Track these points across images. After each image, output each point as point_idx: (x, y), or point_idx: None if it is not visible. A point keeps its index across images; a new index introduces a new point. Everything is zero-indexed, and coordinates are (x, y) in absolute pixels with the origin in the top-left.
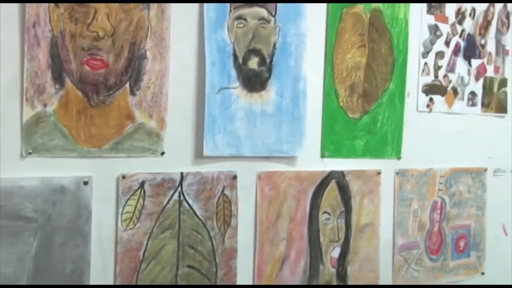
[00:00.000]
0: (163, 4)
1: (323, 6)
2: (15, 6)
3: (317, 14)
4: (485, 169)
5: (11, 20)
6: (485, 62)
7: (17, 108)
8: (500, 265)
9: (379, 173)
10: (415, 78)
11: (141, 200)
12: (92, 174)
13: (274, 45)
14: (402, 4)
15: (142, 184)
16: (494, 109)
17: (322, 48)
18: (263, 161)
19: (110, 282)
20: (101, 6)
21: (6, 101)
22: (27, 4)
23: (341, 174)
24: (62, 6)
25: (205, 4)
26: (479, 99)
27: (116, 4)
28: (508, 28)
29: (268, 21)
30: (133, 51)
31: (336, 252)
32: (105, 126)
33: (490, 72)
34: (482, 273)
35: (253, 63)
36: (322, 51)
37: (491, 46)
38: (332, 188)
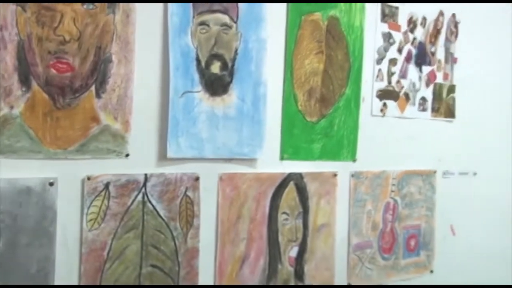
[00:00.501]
0: (128, 9)
1: (283, 13)
2: None
3: (277, 21)
4: (435, 172)
5: None
6: (435, 69)
7: None
8: (448, 264)
9: (335, 175)
10: (370, 83)
11: (105, 201)
12: (57, 176)
13: (236, 50)
14: (358, 12)
15: (106, 185)
16: (443, 114)
17: (281, 54)
18: (224, 163)
19: (75, 281)
20: (67, 10)
21: None
22: None
23: (299, 176)
24: (29, 9)
25: (169, 10)
26: (429, 104)
27: (82, 9)
28: (456, 37)
29: (230, 27)
30: (98, 55)
31: (294, 252)
32: (70, 128)
33: (439, 78)
34: (431, 271)
35: (216, 67)
36: (282, 57)
37: (440, 54)
38: (290, 190)
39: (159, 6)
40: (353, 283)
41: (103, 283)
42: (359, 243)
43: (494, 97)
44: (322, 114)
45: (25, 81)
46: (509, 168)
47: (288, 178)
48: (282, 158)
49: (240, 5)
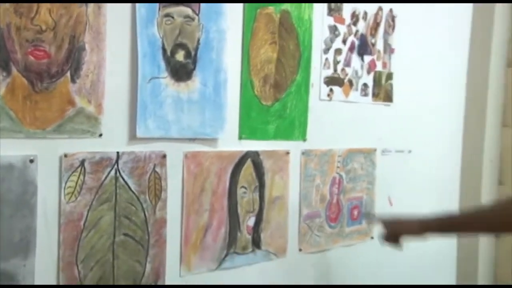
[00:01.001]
0: (99, 2)
1: (240, 6)
2: None
3: (235, 14)
4: (375, 150)
5: None
6: (375, 58)
7: None
8: None
9: (288, 153)
10: (318, 71)
11: (81, 177)
12: (37, 153)
13: (198, 40)
14: (306, 7)
15: (82, 162)
16: (382, 99)
17: (239, 44)
18: (189, 142)
19: (55, 249)
20: (42, 4)
21: None
22: None
23: (256, 154)
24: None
25: (137, 6)
26: (370, 90)
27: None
28: (393, 29)
29: (193, 19)
30: (73, 43)
31: (251, 221)
32: (48, 110)
33: (379, 67)
34: (372, 238)
35: (180, 56)
36: (240, 47)
37: (379, 45)
38: (248, 166)
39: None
40: (304, 249)
41: (80, 251)
42: (309, 213)
43: (427, 83)
44: (276, 98)
45: (5, 67)
46: (440, 146)
47: (246, 156)
48: (240, 138)
49: None
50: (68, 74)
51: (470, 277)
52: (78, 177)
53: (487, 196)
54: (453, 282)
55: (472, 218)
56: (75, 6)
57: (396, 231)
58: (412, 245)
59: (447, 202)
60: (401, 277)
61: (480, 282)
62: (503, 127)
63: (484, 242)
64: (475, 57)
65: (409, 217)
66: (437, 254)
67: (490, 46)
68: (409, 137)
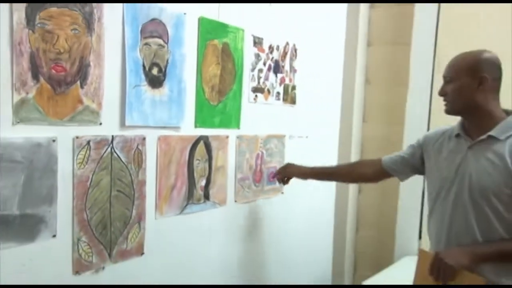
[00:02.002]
0: (100, 33)
1: (195, 39)
2: (7, 30)
3: (192, 44)
4: (284, 135)
5: (5, 41)
6: (284, 76)
7: (9, 94)
8: (294, 188)
9: (227, 137)
10: (247, 83)
11: (88, 151)
12: (57, 135)
13: (167, 61)
14: (240, 40)
15: (88, 142)
16: (289, 102)
17: (194, 64)
18: (161, 129)
19: (70, 200)
20: (61, 33)
21: (3, 90)
22: (14, 30)
23: (206, 137)
24: (37, 31)
25: (126, 34)
26: (281, 96)
27: (71, 33)
28: (296, 57)
29: (163, 47)
30: (82, 62)
31: (203, 182)
32: (64, 106)
33: (287, 81)
34: (282, 193)
35: (155, 71)
36: (195, 66)
37: (287, 67)
38: (201, 145)
39: (119, 31)
40: (238, 200)
41: (87, 201)
42: (241, 177)
43: (317, 92)
44: (220, 100)
45: (35, 76)
46: (325, 133)
47: (200, 139)
48: (195, 126)
49: (170, 32)
50: (78, 82)
51: (342, 221)
52: (86, 152)
53: (353, 158)
54: (331, 223)
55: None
56: (84, 36)
57: (287, 172)
58: (305, 199)
59: (328, 164)
60: (298, 217)
61: (349, 226)
62: (363, 122)
63: (351, 198)
64: (346, 76)
65: (300, 166)
66: (322, 203)
67: (355, 69)
68: (306, 128)
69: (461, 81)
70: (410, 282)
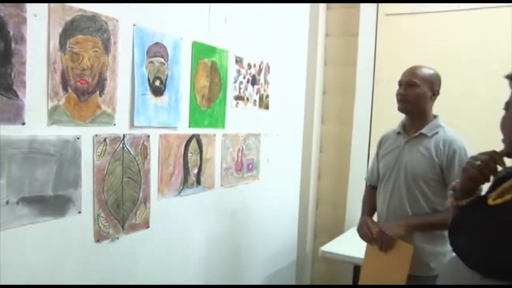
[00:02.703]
0: (115, 54)
1: (189, 58)
2: (45, 54)
3: (186, 62)
4: (260, 134)
5: (43, 61)
6: (260, 87)
7: (45, 102)
8: (266, 175)
9: (215, 135)
10: (231, 92)
11: (104, 146)
12: (81, 134)
13: (167, 75)
14: (224, 59)
15: (105, 139)
16: (263, 107)
17: (188, 77)
18: (162, 129)
19: (91, 184)
20: (85, 54)
21: (41, 99)
22: (50, 53)
23: (198, 135)
24: (67, 54)
25: (135, 55)
26: (257, 103)
27: (93, 54)
28: (269, 72)
29: (164, 64)
30: (100, 76)
31: (195, 171)
32: (87, 111)
33: (262, 91)
34: (258, 179)
35: (157, 83)
36: (189, 79)
37: (262, 80)
38: (194, 142)
39: (130, 52)
40: (223, 185)
41: (104, 186)
42: (226, 166)
43: (286, 100)
44: (208, 106)
45: (64, 88)
46: (292, 132)
47: (193, 136)
48: (189, 126)
49: (169, 52)
50: (98, 92)
51: (305, 199)
52: (103, 147)
53: (314, 155)
54: (297, 201)
55: None
56: (102, 57)
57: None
58: (276, 183)
59: (294, 156)
60: (271, 198)
61: (310, 203)
62: (322, 123)
63: (312, 182)
64: (308, 87)
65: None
66: (289, 186)
67: (315, 82)
68: (277, 127)
69: (421, 89)
70: (356, 246)
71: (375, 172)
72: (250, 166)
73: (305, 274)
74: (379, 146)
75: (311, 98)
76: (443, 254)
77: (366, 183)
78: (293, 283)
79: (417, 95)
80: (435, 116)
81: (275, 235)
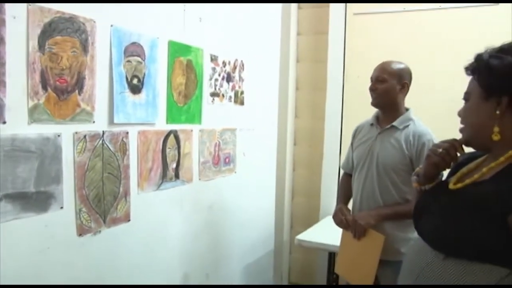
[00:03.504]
0: (93, 54)
1: (165, 56)
2: (24, 54)
3: (163, 60)
4: (236, 128)
5: (23, 62)
6: (235, 83)
7: (25, 101)
8: (242, 168)
9: (192, 130)
10: (207, 89)
11: (84, 143)
12: (62, 131)
13: (144, 73)
14: (200, 57)
15: (85, 136)
16: (239, 103)
17: (165, 75)
18: (140, 125)
19: (72, 180)
20: (64, 55)
21: (21, 98)
22: (29, 54)
23: (175, 131)
24: (46, 54)
25: (113, 54)
26: (233, 99)
27: (71, 54)
28: (243, 69)
29: (141, 63)
30: (79, 75)
31: (174, 165)
32: (67, 109)
33: (237, 88)
34: (235, 172)
35: (135, 81)
36: (165, 77)
37: (237, 77)
38: (171, 137)
39: (108, 52)
40: (201, 178)
41: (85, 181)
42: (203, 160)
43: (262, 96)
44: (185, 102)
45: (44, 87)
46: (267, 127)
47: (170, 132)
48: (167, 123)
49: (146, 52)
50: (77, 91)
51: (281, 191)
52: (83, 144)
53: (288, 148)
54: (273, 192)
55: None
56: (81, 56)
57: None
58: (253, 176)
59: (269, 149)
60: (248, 190)
61: (286, 194)
62: (295, 118)
63: (288, 173)
64: (281, 83)
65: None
66: (266, 178)
67: (288, 79)
68: (252, 122)
69: (390, 83)
70: (331, 234)
71: (350, 160)
72: (227, 160)
73: (283, 262)
74: (354, 136)
75: (285, 94)
76: (414, 240)
77: (342, 170)
78: (271, 271)
79: (386, 89)
80: (407, 109)
81: (253, 225)
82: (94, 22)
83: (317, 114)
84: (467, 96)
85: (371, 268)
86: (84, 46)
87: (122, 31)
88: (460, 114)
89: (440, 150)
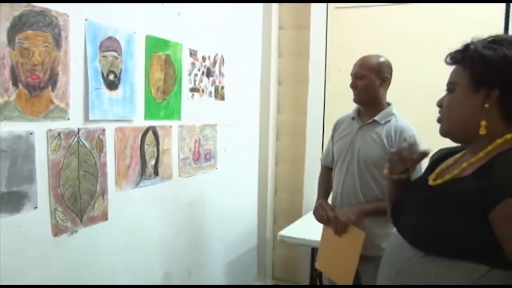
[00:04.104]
0: (66, 49)
1: (142, 51)
2: None
3: (140, 55)
4: (216, 124)
5: None
6: (215, 79)
7: None
8: (224, 164)
9: (171, 126)
10: (186, 84)
11: (59, 141)
12: (34, 129)
13: (121, 69)
14: (178, 52)
15: (59, 133)
16: (219, 98)
17: (143, 70)
18: (117, 122)
19: (46, 179)
20: (36, 50)
21: None
22: None
23: (154, 127)
24: (16, 49)
25: (87, 49)
26: (213, 94)
27: (43, 49)
28: (224, 64)
29: (118, 58)
30: (52, 71)
31: (153, 162)
32: (39, 106)
33: (217, 83)
34: (216, 168)
35: (111, 77)
36: (143, 72)
37: (217, 72)
38: (150, 134)
39: (82, 47)
40: (181, 175)
41: (60, 180)
42: (183, 157)
43: (243, 90)
44: (164, 98)
45: (15, 83)
46: (249, 122)
47: (149, 128)
48: (145, 119)
49: (123, 46)
50: (50, 87)
51: (263, 186)
52: (57, 141)
53: (271, 143)
54: (256, 188)
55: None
56: (54, 51)
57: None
58: (234, 171)
59: (251, 145)
60: (230, 186)
61: (269, 190)
62: (278, 113)
63: (270, 168)
64: (263, 78)
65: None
66: (248, 174)
67: (270, 74)
68: (234, 117)
69: (369, 78)
70: (313, 230)
71: (330, 153)
72: (207, 156)
73: (266, 258)
74: (334, 130)
75: (267, 89)
76: (394, 235)
77: (322, 164)
78: (254, 267)
79: (366, 86)
80: (389, 104)
81: (235, 222)
82: (68, 16)
83: (299, 109)
84: (452, 86)
85: (351, 264)
86: (57, 41)
87: (97, 25)
88: (441, 104)
89: (405, 153)
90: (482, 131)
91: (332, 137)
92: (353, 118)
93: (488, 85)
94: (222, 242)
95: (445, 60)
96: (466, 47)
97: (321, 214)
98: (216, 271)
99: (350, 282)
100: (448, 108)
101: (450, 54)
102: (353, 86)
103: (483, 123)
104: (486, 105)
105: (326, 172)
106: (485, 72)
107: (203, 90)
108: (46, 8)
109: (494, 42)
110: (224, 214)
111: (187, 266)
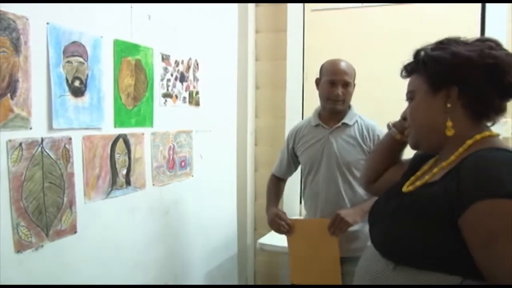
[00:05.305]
0: (26, 55)
1: (111, 56)
2: None
3: (108, 60)
4: (191, 130)
5: None
6: (189, 84)
7: None
8: (199, 173)
9: (143, 134)
10: (158, 90)
11: (20, 152)
12: None
13: (87, 75)
14: (150, 57)
15: (20, 144)
16: (194, 104)
17: (111, 76)
18: (85, 130)
19: (7, 192)
20: None
21: None
22: None
23: (125, 135)
24: None
25: (50, 54)
26: (187, 100)
27: (1, 55)
28: (198, 69)
29: (83, 63)
30: (11, 78)
31: (124, 171)
32: None
33: (191, 88)
34: (192, 176)
35: (77, 83)
36: (112, 78)
37: (191, 77)
38: (120, 142)
39: (44, 52)
40: (155, 184)
41: (23, 192)
42: (157, 165)
43: (219, 95)
44: (135, 105)
45: None
46: (225, 128)
47: (119, 136)
48: (115, 126)
49: (89, 51)
50: (9, 95)
51: (243, 192)
52: (18, 152)
53: (249, 149)
54: (234, 194)
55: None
56: (12, 57)
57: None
58: (212, 179)
59: (229, 150)
60: (207, 194)
61: (248, 196)
62: (256, 117)
63: (249, 174)
64: (240, 83)
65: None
66: (226, 180)
67: (247, 78)
68: (209, 124)
69: (352, 85)
70: None
71: (284, 164)
72: (183, 164)
73: (247, 266)
74: (294, 140)
75: (244, 93)
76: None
77: (273, 174)
78: (235, 275)
79: (351, 94)
80: (349, 106)
81: (214, 230)
82: (27, 19)
83: (277, 113)
84: (411, 95)
85: (334, 260)
86: (16, 46)
87: (61, 29)
88: (404, 116)
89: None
90: (449, 132)
91: (293, 148)
92: (317, 125)
93: (446, 84)
94: (201, 251)
95: (401, 75)
96: (417, 54)
97: (279, 224)
98: (196, 281)
99: (339, 282)
100: (411, 116)
101: (404, 66)
102: (340, 95)
103: (449, 123)
104: (448, 105)
105: (277, 181)
106: (439, 72)
107: (176, 96)
108: (2, 10)
109: (442, 43)
110: (203, 223)
111: (164, 278)
